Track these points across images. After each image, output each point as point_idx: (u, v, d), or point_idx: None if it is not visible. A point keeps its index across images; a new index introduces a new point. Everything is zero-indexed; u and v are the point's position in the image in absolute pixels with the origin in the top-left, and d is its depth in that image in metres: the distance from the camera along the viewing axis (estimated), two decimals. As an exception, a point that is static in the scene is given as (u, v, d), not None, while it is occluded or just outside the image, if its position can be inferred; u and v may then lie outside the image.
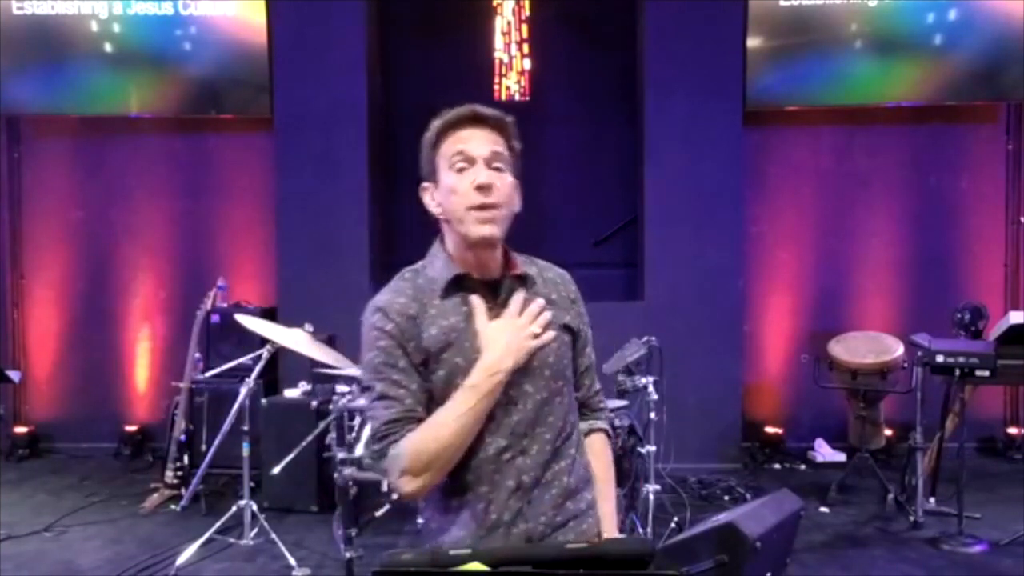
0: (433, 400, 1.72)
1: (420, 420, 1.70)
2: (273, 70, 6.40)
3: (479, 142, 1.76)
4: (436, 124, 1.82)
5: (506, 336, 1.68)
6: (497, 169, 1.76)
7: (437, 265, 1.80)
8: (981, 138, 6.67)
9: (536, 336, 1.69)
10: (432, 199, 1.83)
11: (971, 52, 6.24)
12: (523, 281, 1.80)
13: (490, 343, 1.68)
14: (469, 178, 1.74)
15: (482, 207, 1.73)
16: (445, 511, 1.76)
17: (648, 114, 6.31)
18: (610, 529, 1.84)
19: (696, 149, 6.27)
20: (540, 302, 1.72)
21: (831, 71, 6.33)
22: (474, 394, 1.66)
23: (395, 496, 4.13)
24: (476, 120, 1.78)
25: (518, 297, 1.73)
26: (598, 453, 1.90)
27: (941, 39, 6.26)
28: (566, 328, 1.82)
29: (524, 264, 1.85)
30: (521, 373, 1.71)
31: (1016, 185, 6.58)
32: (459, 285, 1.77)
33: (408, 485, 1.68)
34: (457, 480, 1.72)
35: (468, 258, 1.78)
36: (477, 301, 1.73)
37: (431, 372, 1.73)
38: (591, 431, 1.92)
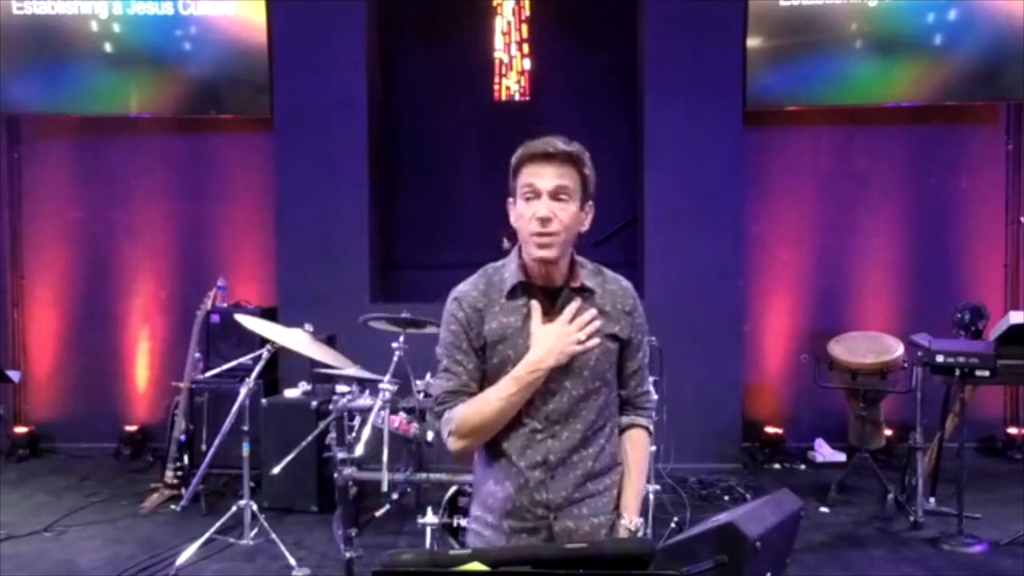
0: (487, 380, 2.07)
1: (472, 394, 2.06)
2: (273, 70, 6.41)
3: (546, 177, 2.01)
4: (518, 153, 2.07)
5: (552, 339, 1.98)
6: (562, 200, 2.02)
7: (511, 268, 2.10)
8: (981, 138, 6.67)
9: (580, 343, 1.97)
10: (512, 213, 2.11)
11: (971, 52, 6.24)
12: (581, 292, 2.07)
13: (538, 343, 2.00)
14: (533, 209, 2.01)
15: (541, 235, 2.00)
16: (486, 467, 2.11)
17: (648, 114, 6.31)
18: (632, 509, 2.09)
19: (696, 149, 6.27)
20: (591, 313, 2.01)
21: (831, 71, 6.33)
22: (516, 383, 1.99)
23: (395, 496, 4.15)
24: (547, 157, 2.03)
25: (572, 306, 2.01)
26: (636, 444, 2.16)
27: (941, 39, 6.26)
28: (613, 337, 2.07)
29: (588, 276, 2.11)
30: (563, 371, 2.01)
31: (1016, 185, 6.59)
32: (523, 289, 2.07)
33: (453, 444, 2.06)
34: (497, 446, 2.06)
35: (534, 268, 2.07)
36: (535, 305, 2.04)
37: (488, 358, 2.06)
38: (632, 425, 2.17)
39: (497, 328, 2.05)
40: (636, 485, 2.12)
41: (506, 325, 2.05)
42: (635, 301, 2.16)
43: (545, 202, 2.01)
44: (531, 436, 2.04)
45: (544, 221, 2.00)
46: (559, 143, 2.04)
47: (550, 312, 2.05)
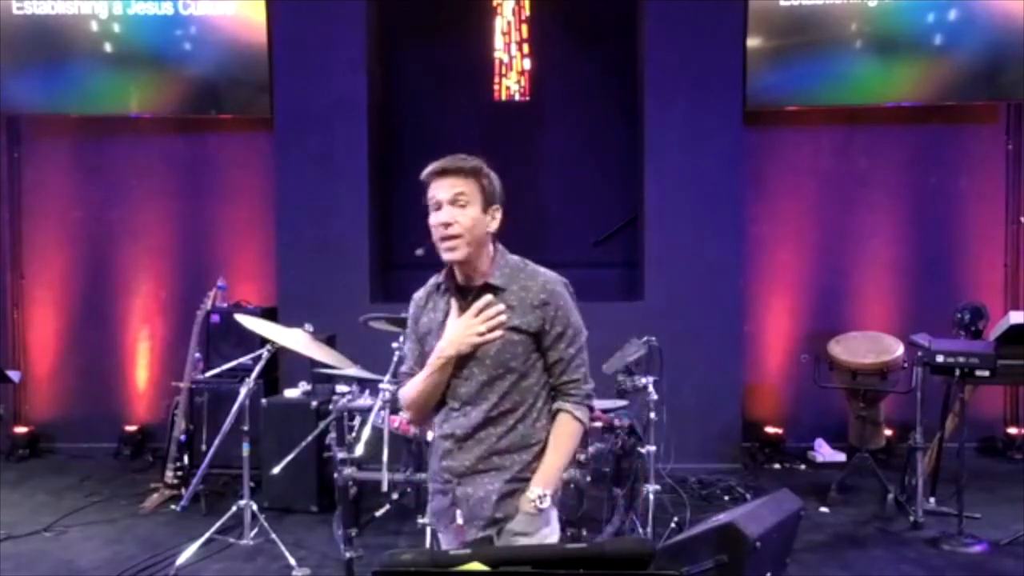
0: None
1: (414, 375, 2.41)
2: (273, 70, 6.41)
3: (442, 189, 2.31)
4: (423, 175, 2.37)
5: (455, 332, 2.28)
6: (459, 206, 2.30)
7: (445, 271, 2.39)
8: (981, 138, 6.67)
9: (481, 334, 2.25)
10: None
11: (971, 52, 6.24)
12: (492, 289, 2.31)
13: (445, 335, 2.30)
14: (437, 217, 2.31)
15: (445, 238, 2.28)
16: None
17: (648, 114, 6.31)
18: (538, 481, 2.27)
19: (696, 149, 6.27)
20: (498, 308, 2.26)
21: (831, 71, 6.33)
22: (428, 368, 2.33)
23: (395, 496, 4.15)
24: (443, 172, 2.33)
25: (479, 302, 2.27)
26: (557, 425, 2.34)
27: (941, 39, 6.26)
28: (516, 329, 2.28)
29: (502, 274, 2.34)
30: (470, 358, 2.28)
31: (1016, 185, 6.58)
32: (446, 289, 2.37)
33: (405, 415, 2.55)
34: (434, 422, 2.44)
35: (456, 269, 2.35)
36: (452, 302, 2.33)
37: (425, 347, 2.39)
38: (558, 410, 2.34)
39: (426, 323, 2.41)
40: (547, 459, 2.29)
41: (432, 320, 2.39)
42: (551, 295, 2.32)
43: (445, 209, 2.30)
44: (448, 413, 2.34)
45: (445, 225, 2.28)
46: (454, 160, 2.34)
47: (464, 307, 2.32)
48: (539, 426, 2.32)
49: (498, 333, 2.25)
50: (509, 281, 2.33)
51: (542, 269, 2.41)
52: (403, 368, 2.52)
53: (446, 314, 2.34)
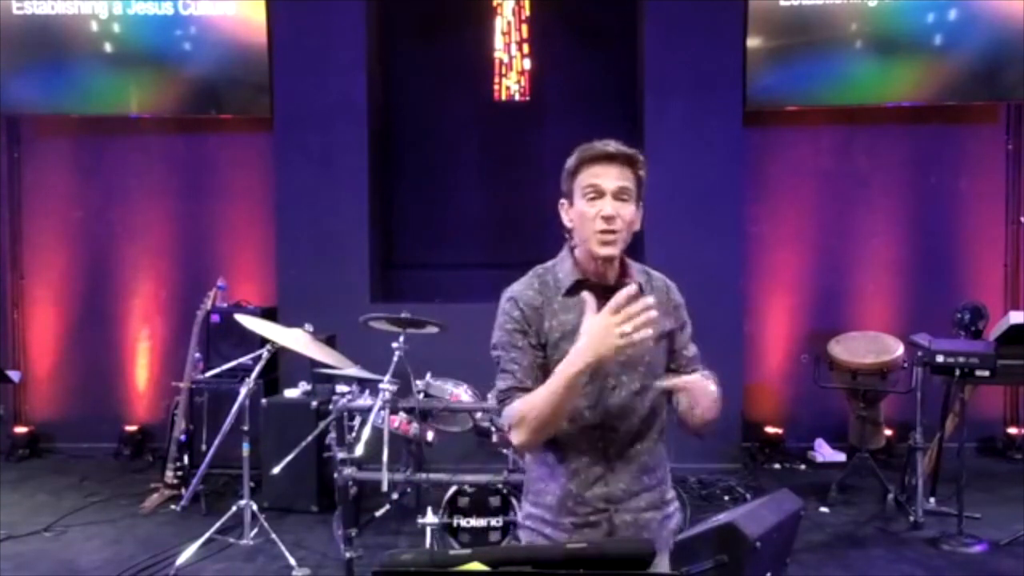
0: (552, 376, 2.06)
1: (528, 390, 2.06)
2: (273, 70, 6.40)
3: (609, 178, 2.10)
4: (576, 155, 2.16)
5: (593, 333, 1.93)
6: (622, 200, 2.10)
7: (565, 267, 2.17)
8: (981, 138, 6.67)
9: (626, 335, 1.90)
10: (567, 215, 2.19)
11: (971, 52, 6.24)
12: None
13: (581, 337, 1.96)
14: (597, 208, 2.09)
15: (605, 232, 2.08)
16: (542, 464, 2.14)
17: (648, 114, 6.30)
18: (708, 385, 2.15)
19: (696, 149, 6.27)
20: (644, 302, 1.94)
21: (831, 71, 6.33)
22: (559, 377, 1.96)
23: (395, 496, 4.15)
24: (609, 158, 2.12)
25: (621, 294, 1.94)
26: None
27: (941, 39, 6.26)
28: (667, 335, 2.18)
29: (638, 274, 2.21)
30: (621, 364, 2.06)
31: (1016, 185, 6.58)
32: (580, 287, 2.10)
33: (515, 438, 2.06)
34: (556, 442, 2.09)
35: (590, 267, 2.14)
36: (589, 298, 2.00)
37: (550, 355, 2.08)
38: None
39: (557, 326, 2.11)
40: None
41: (565, 323, 2.10)
42: (679, 296, 2.32)
43: (609, 201, 2.09)
44: (591, 431, 2.08)
45: (609, 219, 2.08)
46: (620, 145, 2.13)
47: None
48: (665, 439, 2.17)
49: (648, 332, 1.92)
50: (644, 283, 2.20)
51: (658, 272, 2.35)
52: (505, 383, 2.10)
53: (582, 315, 2.01)
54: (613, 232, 2.09)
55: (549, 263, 2.22)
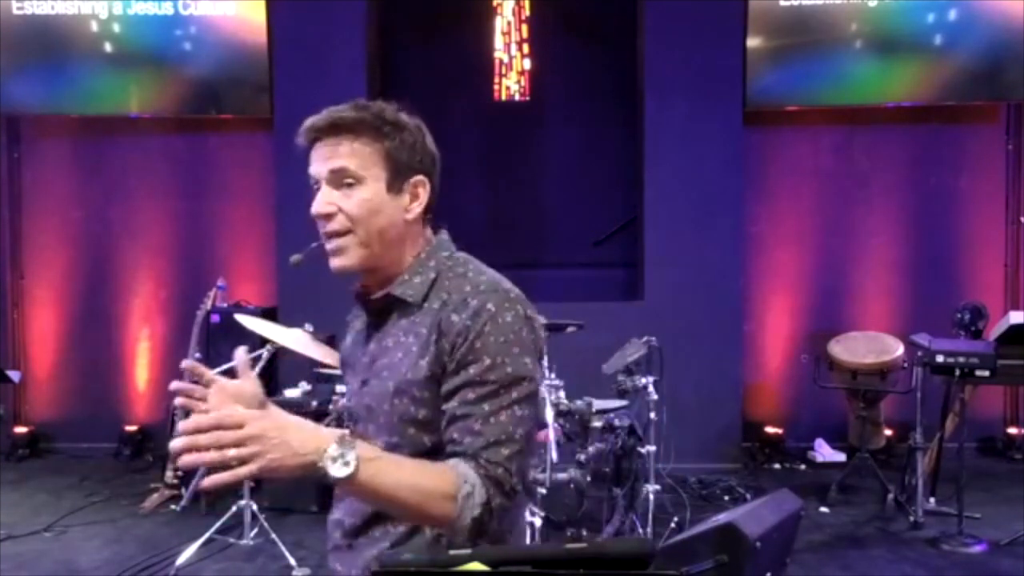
0: None
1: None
2: (273, 70, 6.40)
3: (319, 160, 1.57)
4: (298, 139, 1.61)
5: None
6: (347, 185, 1.55)
7: None
8: (981, 138, 6.67)
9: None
10: None
11: (971, 52, 6.24)
12: (399, 303, 1.60)
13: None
14: (314, 205, 1.58)
15: (326, 236, 1.58)
16: None
17: (648, 114, 6.31)
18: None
19: (696, 149, 6.27)
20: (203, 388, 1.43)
21: (831, 71, 6.33)
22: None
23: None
24: (317, 133, 1.56)
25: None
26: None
27: (941, 39, 6.26)
28: (424, 380, 1.52)
29: (417, 279, 1.59)
30: (367, 410, 1.62)
31: (1016, 185, 6.58)
32: (359, 300, 1.70)
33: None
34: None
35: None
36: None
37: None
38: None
39: (342, 349, 1.81)
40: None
41: (346, 347, 1.78)
42: (468, 318, 1.49)
43: (324, 192, 1.56)
44: None
45: (321, 218, 1.57)
46: (339, 110, 1.56)
47: (372, 333, 1.66)
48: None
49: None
50: (413, 294, 1.59)
51: (486, 274, 1.59)
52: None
53: (357, 334, 1.72)
54: (337, 235, 1.56)
55: None
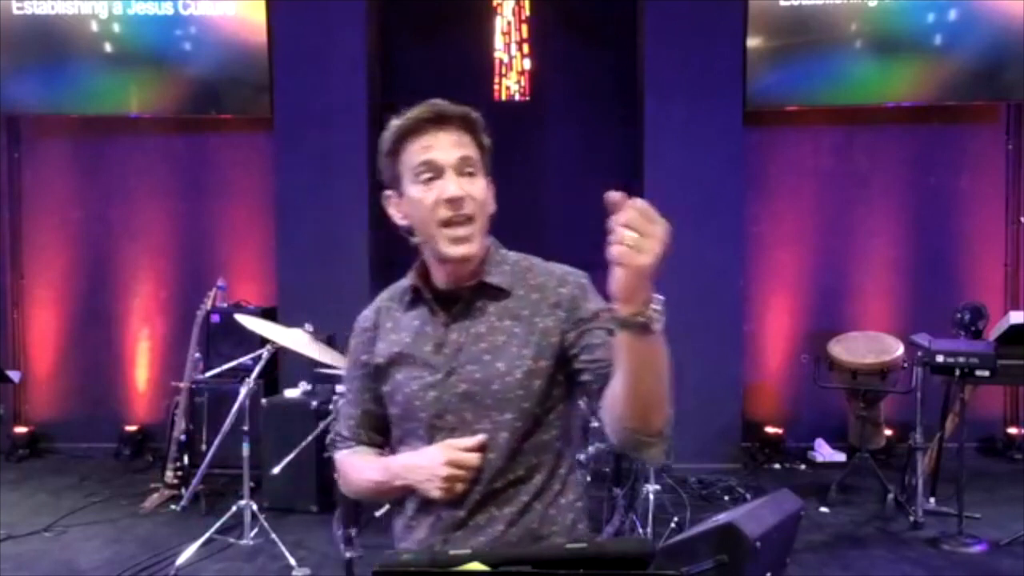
0: (384, 406, 1.75)
1: (360, 442, 1.79)
2: (273, 70, 6.40)
3: (445, 148, 1.62)
4: (394, 127, 1.67)
5: (421, 467, 1.63)
6: (468, 175, 1.64)
7: (411, 272, 1.76)
8: (981, 138, 6.67)
9: (444, 489, 1.60)
10: (397, 211, 1.71)
11: (971, 52, 6.24)
12: (487, 292, 1.68)
13: (415, 455, 1.66)
14: (437, 191, 1.62)
15: (454, 222, 1.62)
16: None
17: (648, 114, 6.30)
18: None
19: (696, 149, 6.27)
20: (474, 448, 1.60)
21: (831, 71, 6.33)
22: (384, 475, 1.71)
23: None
24: (440, 121, 1.63)
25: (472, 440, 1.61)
26: None
27: (941, 39, 6.25)
28: (547, 358, 1.64)
29: (500, 269, 1.70)
30: (463, 399, 1.65)
31: (1016, 185, 6.58)
32: (417, 297, 1.72)
33: (341, 487, 1.88)
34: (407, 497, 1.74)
35: (440, 272, 1.69)
36: (430, 316, 1.70)
37: (380, 384, 1.73)
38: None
39: (384, 349, 1.72)
40: None
41: (394, 343, 1.71)
42: (571, 289, 1.69)
43: (451, 178, 1.62)
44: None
45: (455, 202, 1.61)
46: (450, 104, 1.66)
47: (447, 320, 1.68)
48: (565, 495, 1.76)
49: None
50: (514, 280, 1.70)
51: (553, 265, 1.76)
52: (339, 426, 1.83)
53: (417, 334, 1.69)
54: (466, 221, 1.62)
55: None
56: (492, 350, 1.64)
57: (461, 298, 1.68)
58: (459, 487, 1.60)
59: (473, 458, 1.60)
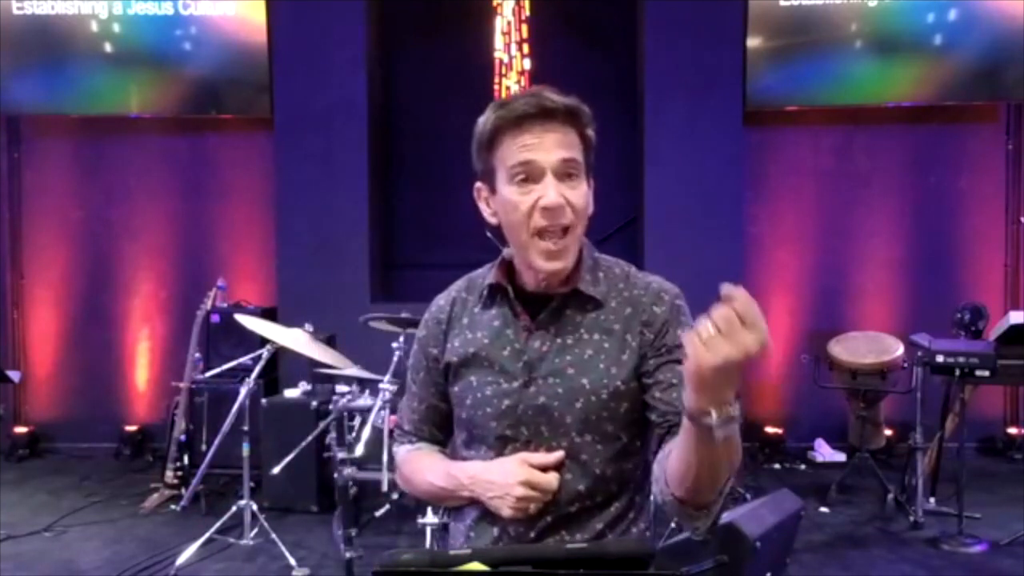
0: (455, 405, 1.64)
1: (422, 438, 1.70)
2: (273, 70, 6.41)
3: (547, 148, 1.46)
4: (493, 117, 1.51)
5: (493, 482, 1.52)
6: (569, 178, 1.48)
7: (493, 269, 1.63)
8: (981, 138, 6.67)
9: (518, 508, 1.50)
10: (488, 206, 1.59)
11: (971, 52, 6.24)
12: (579, 299, 1.55)
13: (486, 468, 1.55)
14: (536, 196, 1.47)
15: (549, 233, 1.48)
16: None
17: (648, 114, 6.31)
18: None
19: (696, 149, 6.27)
20: (552, 474, 1.50)
21: (831, 71, 6.33)
22: (450, 482, 1.59)
23: (395, 496, 4.15)
24: (544, 116, 1.45)
25: (551, 457, 1.51)
26: None
27: (941, 39, 6.26)
28: (626, 379, 1.52)
29: (595, 276, 1.57)
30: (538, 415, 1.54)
31: (1016, 185, 6.58)
32: (497, 295, 1.59)
33: (401, 486, 1.78)
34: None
35: (528, 273, 1.56)
36: (511, 318, 1.56)
37: (449, 383, 1.63)
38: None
39: (457, 347, 1.60)
40: None
41: (470, 343, 1.58)
42: (666, 309, 1.58)
43: (551, 183, 1.46)
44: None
45: (553, 211, 1.46)
46: (556, 95, 1.48)
47: (528, 325, 1.55)
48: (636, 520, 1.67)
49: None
50: (608, 290, 1.56)
51: (642, 271, 1.64)
52: (403, 420, 1.73)
53: (497, 335, 1.56)
54: (564, 232, 1.48)
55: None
56: (577, 364, 1.52)
57: (549, 303, 1.55)
58: (532, 508, 1.50)
59: (552, 480, 1.49)
